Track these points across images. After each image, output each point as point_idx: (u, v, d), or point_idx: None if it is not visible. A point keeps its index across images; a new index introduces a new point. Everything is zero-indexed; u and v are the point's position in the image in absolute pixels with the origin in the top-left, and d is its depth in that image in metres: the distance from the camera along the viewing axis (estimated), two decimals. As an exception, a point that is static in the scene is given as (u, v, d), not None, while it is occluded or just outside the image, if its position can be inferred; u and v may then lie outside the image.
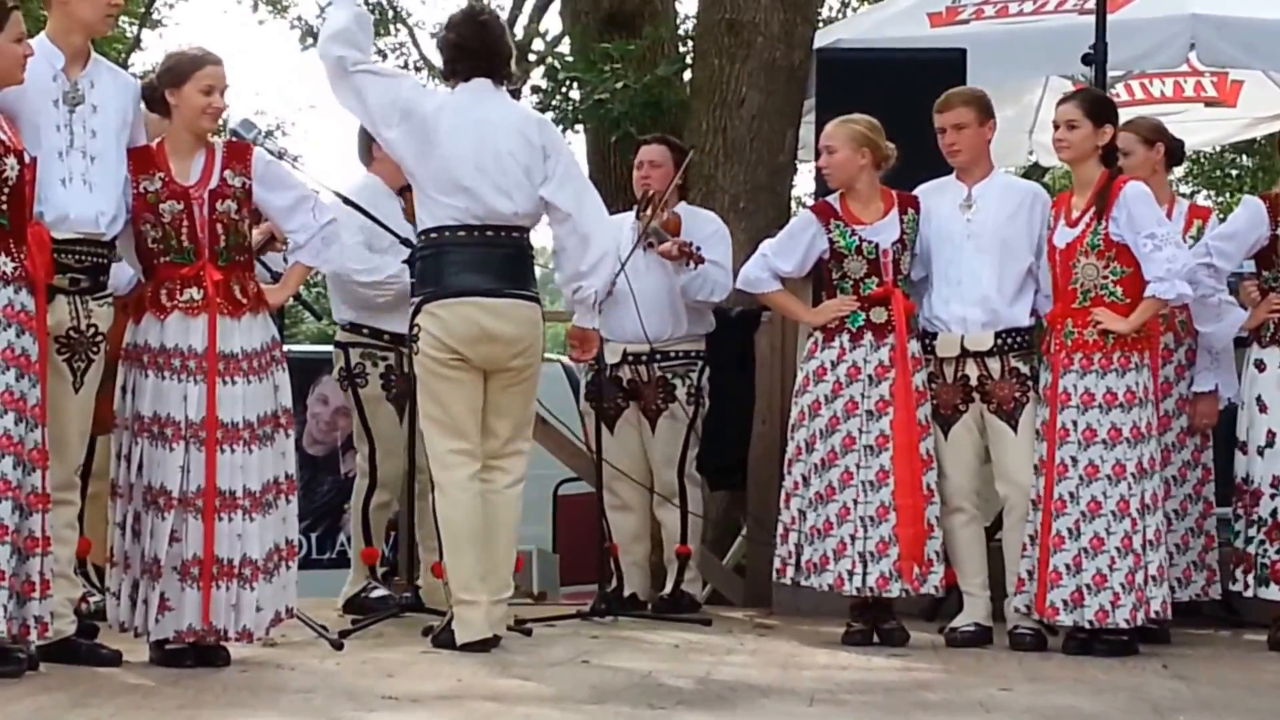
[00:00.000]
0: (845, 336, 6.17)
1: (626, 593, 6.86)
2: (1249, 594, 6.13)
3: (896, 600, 6.18)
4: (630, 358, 6.97)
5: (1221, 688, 5.31)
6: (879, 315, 6.17)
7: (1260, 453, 6.14)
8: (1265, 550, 6.10)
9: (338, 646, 5.64)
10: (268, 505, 5.34)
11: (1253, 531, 6.13)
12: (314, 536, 9.59)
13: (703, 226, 7.05)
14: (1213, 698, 5.11)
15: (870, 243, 6.20)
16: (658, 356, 6.97)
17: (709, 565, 7.28)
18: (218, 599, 5.24)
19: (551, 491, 8.75)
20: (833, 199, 6.34)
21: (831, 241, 6.21)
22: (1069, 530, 5.91)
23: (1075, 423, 5.93)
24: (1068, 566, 5.90)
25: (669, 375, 6.98)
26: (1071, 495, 5.92)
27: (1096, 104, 6.11)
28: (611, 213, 7.49)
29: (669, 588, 7.03)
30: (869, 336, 6.16)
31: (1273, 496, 6.11)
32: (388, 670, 5.28)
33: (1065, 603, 5.90)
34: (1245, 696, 5.17)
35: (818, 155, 6.42)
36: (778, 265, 6.31)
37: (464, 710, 4.69)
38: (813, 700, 4.93)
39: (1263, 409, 6.14)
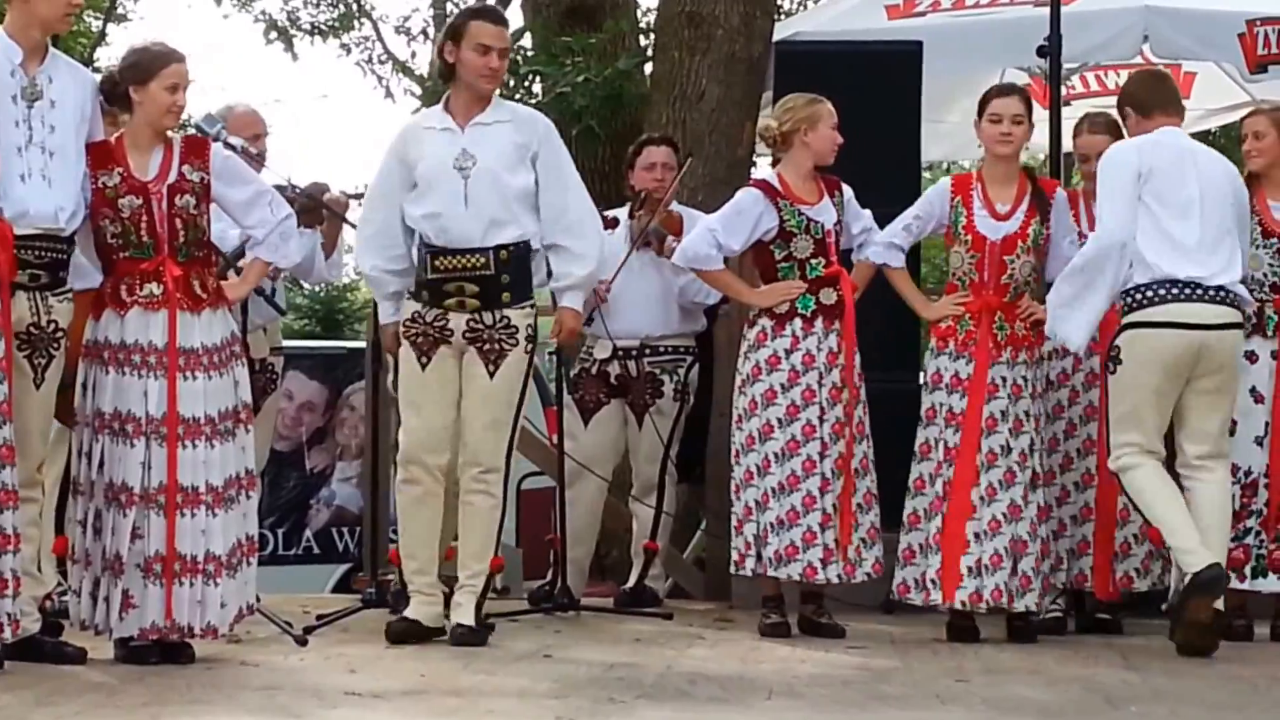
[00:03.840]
0: (798, 323, 6.20)
1: (558, 587, 6.70)
2: (1244, 586, 6.17)
3: (827, 590, 6.25)
4: (620, 353, 6.99)
5: (1174, 678, 5.36)
6: (828, 296, 6.21)
7: (1259, 443, 6.21)
8: (1262, 541, 6.19)
9: (302, 643, 5.65)
10: (230, 500, 5.35)
11: (1251, 522, 6.20)
12: (280, 532, 9.59)
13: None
14: (1165, 688, 5.17)
15: (816, 222, 6.24)
16: (647, 352, 7.00)
17: (671, 559, 7.31)
18: (181, 595, 5.26)
19: (515, 486, 8.75)
20: (771, 178, 6.37)
21: (782, 220, 6.23)
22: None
23: None
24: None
25: (657, 371, 7.01)
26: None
27: None
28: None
29: (632, 581, 7.06)
30: (820, 322, 6.19)
31: (1267, 487, 6.18)
32: (352, 666, 5.30)
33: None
34: (1198, 687, 5.22)
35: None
36: (727, 242, 6.29)
37: (427, 705, 4.71)
38: (771, 693, 4.96)
39: (1258, 399, 6.20)
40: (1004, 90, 6.36)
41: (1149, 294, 5.84)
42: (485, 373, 5.85)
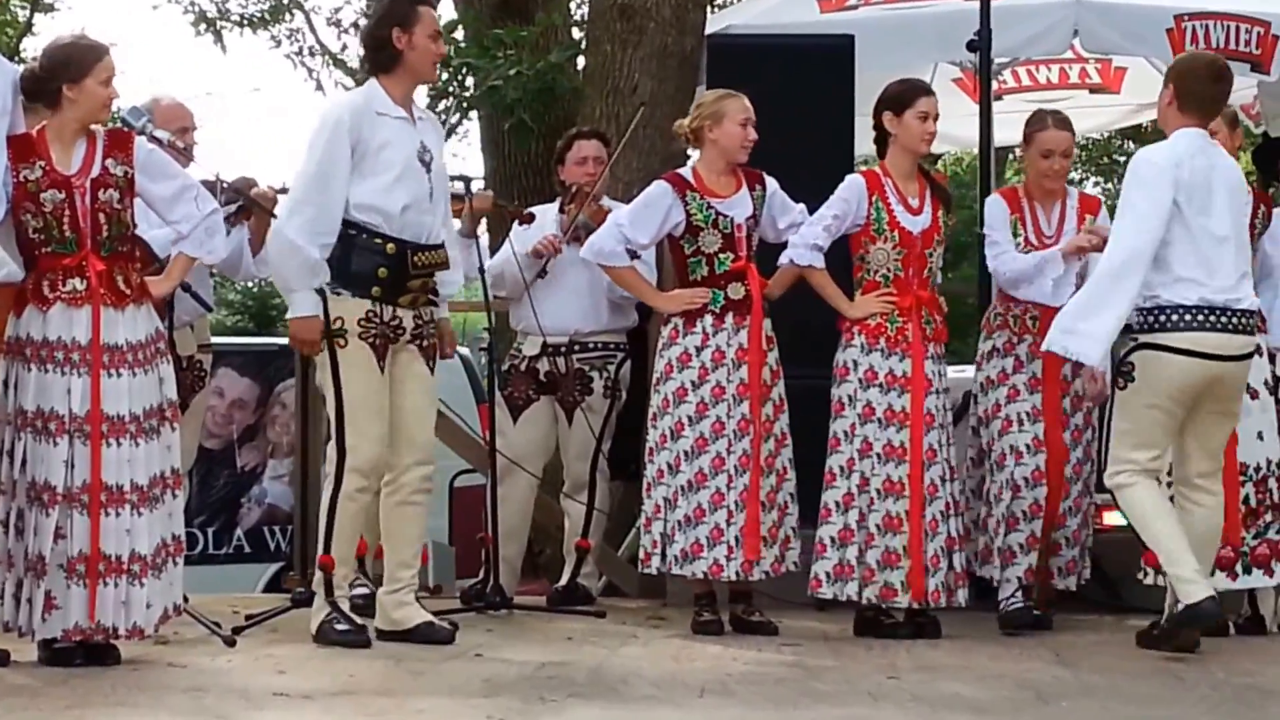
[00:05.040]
0: (708, 320, 6.19)
1: (490, 586, 6.60)
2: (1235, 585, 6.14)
3: (760, 587, 6.25)
4: (549, 349, 6.95)
5: (1104, 674, 5.38)
6: (736, 291, 6.19)
7: (1260, 437, 6.19)
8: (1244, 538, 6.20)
9: (230, 643, 5.60)
10: (155, 500, 5.31)
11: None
12: (211, 531, 9.50)
13: None
14: (1096, 684, 5.19)
15: (726, 217, 6.22)
16: (576, 348, 6.96)
17: (605, 557, 7.28)
18: (105, 596, 5.21)
19: (447, 484, 8.72)
20: (685, 172, 6.35)
21: (689, 214, 6.21)
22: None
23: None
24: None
25: (587, 368, 6.97)
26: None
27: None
28: (511, 197, 7.50)
29: (565, 579, 7.03)
30: (730, 318, 6.18)
31: (1242, 483, 6.16)
32: (280, 666, 5.26)
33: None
34: (1128, 682, 5.25)
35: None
36: (635, 237, 6.27)
37: (357, 706, 4.69)
38: (703, 691, 4.96)
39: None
40: (928, 89, 6.35)
41: (1174, 317, 5.61)
42: (426, 370, 5.82)
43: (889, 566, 6.06)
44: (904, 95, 6.23)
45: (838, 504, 6.11)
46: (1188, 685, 5.20)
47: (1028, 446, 6.29)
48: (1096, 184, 19.97)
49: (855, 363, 6.16)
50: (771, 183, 6.33)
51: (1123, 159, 18.85)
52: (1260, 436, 6.18)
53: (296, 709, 4.62)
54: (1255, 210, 6.31)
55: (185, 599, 5.57)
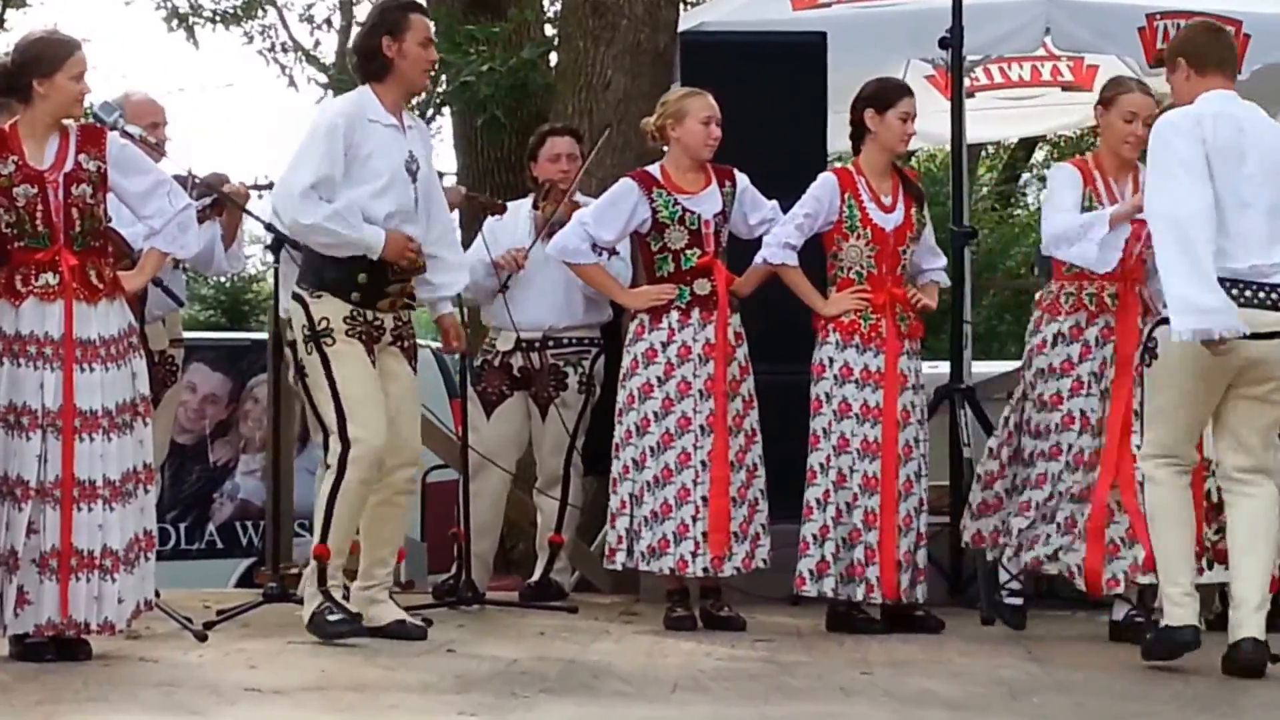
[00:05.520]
0: (674, 316, 6.20)
1: (462, 581, 6.62)
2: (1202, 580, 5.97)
3: (733, 583, 6.25)
4: (524, 344, 6.95)
5: (1077, 670, 5.40)
6: (702, 287, 6.20)
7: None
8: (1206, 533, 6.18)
9: (201, 638, 5.59)
10: (127, 495, 5.31)
11: None
12: (183, 527, 9.49)
13: None
14: (1068, 680, 5.21)
15: (692, 213, 6.23)
16: (550, 344, 6.97)
17: (578, 552, 7.29)
18: (77, 591, 5.20)
19: (419, 479, 8.70)
20: (653, 169, 6.36)
21: (654, 210, 6.23)
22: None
23: None
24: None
25: (561, 363, 6.98)
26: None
27: None
28: (483, 193, 7.49)
29: (537, 575, 7.03)
30: (696, 314, 6.19)
31: (1206, 478, 6.13)
32: (252, 662, 5.26)
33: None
34: (1100, 678, 5.27)
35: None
36: (599, 234, 6.28)
37: (328, 701, 4.68)
38: (676, 687, 4.96)
39: None
40: (910, 90, 6.36)
41: None
42: (409, 370, 5.85)
43: (870, 563, 6.08)
44: (888, 94, 6.24)
45: (819, 501, 6.12)
46: (1160, 681, 5.21)
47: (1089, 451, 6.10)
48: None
49: (831, 359, 6.17)
50: (742, 179, 6.34)
51: (1095, 156, 18.88)
52: None
53: (268, 704, 4.61)
54: None
55: (157, 594, 5.56)
